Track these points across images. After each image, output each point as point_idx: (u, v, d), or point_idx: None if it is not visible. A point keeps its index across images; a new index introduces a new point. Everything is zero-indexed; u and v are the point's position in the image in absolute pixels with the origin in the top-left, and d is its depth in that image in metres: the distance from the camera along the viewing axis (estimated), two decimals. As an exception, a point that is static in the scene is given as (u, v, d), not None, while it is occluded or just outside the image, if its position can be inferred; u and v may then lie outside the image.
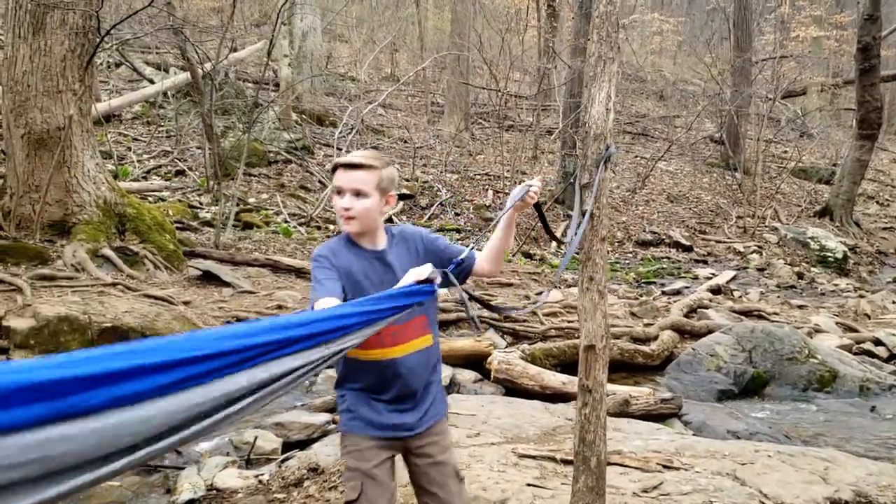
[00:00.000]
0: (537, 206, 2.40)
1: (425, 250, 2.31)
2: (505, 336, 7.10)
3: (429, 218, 12.96)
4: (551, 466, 3.61)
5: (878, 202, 19.05)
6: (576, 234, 2.49)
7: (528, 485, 3.25)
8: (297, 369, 1.48)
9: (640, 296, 9.42)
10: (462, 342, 6.55)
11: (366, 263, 2.20)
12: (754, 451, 3.99)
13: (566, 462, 3.65)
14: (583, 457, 2.59)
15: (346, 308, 1.74)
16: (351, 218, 2.17)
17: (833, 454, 4.00)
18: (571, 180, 14.17)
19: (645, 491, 3.35)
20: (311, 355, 1.52)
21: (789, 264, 12.44)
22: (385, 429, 2.23)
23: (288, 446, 4.43)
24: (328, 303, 1.99)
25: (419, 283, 1.97)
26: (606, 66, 2.60)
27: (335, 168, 2.21)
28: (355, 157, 2.20)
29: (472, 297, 2.43)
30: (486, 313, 6.90)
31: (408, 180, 14.03)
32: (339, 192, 2.18)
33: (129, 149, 12.26)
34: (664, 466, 3.68)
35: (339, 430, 2.29)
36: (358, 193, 2.15)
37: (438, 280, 2.02)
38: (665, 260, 12.88)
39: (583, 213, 2.51)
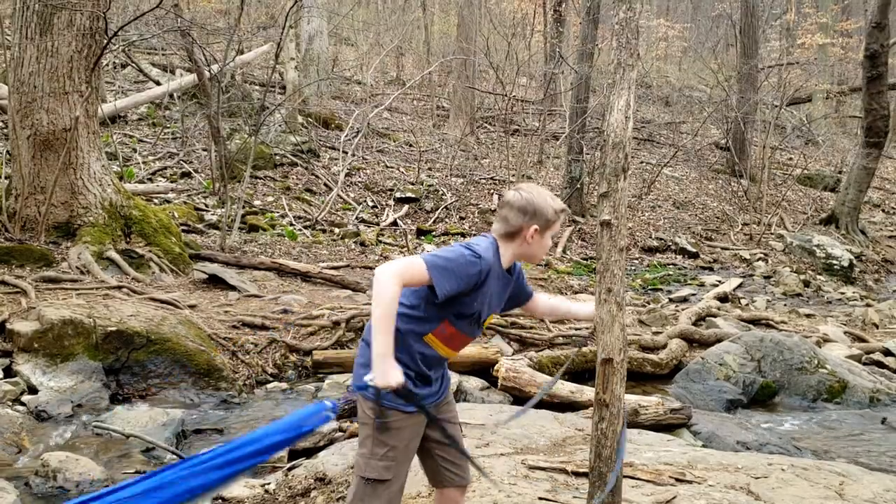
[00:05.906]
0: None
1: (516, 279, 2.64)
2: (512, 343, 7.04)
3: (433, 221, 12.91)
4: (562, 479, 3.56)
5: (883, 210, 18.97)
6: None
7: (541, 498, 3.20)
8: None
9: (648, 303, 9.35)
10: (468, 349, 6.46)
11: (500, 285, 2.51)
12: (768, 465, 3.93)
13: (577, 474, 3.60)
14: (598, 472, 2.53)
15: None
16: None
17: (848, 468, 3.94)
18: (578, 185, 14.13)
19: (658, 505, 3.30)
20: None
21: (795, 272, 12.36)
22: (424, 400, 2.45)
23: (294, 454, 4.36)
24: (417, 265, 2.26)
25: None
26: (626, 73, 2.55)
27: (558, 214, 2.51)
28: None
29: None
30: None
31: (412, 184, 14.00)
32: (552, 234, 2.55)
33: (135, 150, 12.23)
34: (677, 479, 3.62)
35: (382, 404, 2.31)
36: None
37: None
38: (671, 266, 12.81)
39: (602, 224, 2.47)
